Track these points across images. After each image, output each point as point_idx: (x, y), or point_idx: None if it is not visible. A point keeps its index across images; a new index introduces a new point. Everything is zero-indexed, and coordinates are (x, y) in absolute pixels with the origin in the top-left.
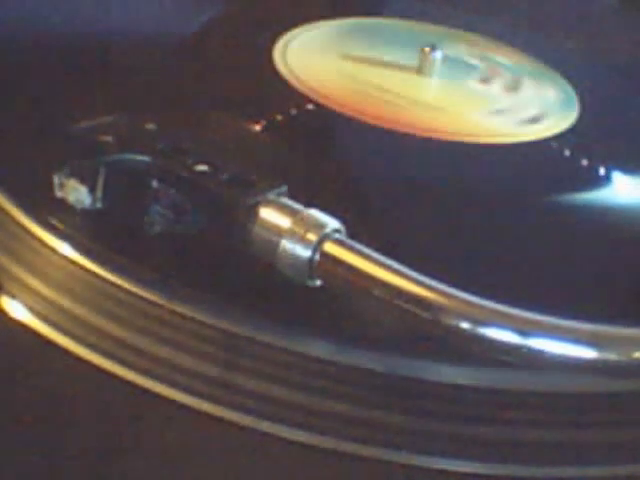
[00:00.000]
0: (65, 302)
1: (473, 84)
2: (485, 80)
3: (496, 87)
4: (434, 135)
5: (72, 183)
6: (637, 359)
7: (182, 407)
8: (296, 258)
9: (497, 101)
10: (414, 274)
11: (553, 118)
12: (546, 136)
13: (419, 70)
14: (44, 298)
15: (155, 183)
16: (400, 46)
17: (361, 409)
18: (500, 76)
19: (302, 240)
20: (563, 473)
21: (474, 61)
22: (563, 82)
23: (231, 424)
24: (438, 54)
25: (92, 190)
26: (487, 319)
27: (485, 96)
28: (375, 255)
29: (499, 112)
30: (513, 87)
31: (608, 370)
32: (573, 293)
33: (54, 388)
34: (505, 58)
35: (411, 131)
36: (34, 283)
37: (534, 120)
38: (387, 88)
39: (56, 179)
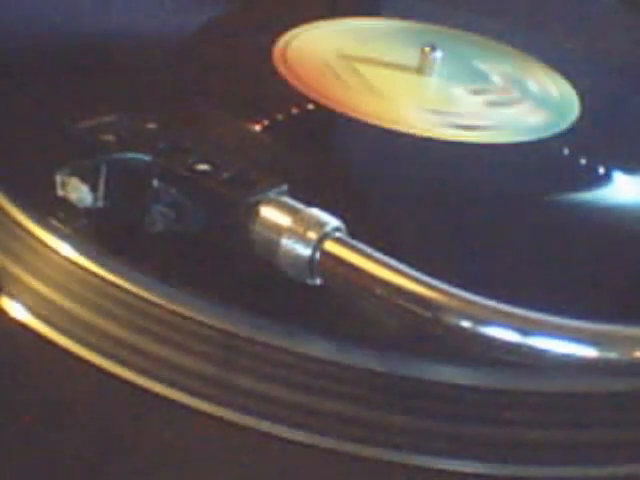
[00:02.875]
0: (65, 302)
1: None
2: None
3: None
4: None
5: (74, 182)
6: (638, 358)
7: (182, 407)
8: (296, 257)
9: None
10: (415, 273)
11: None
12: (544, 136)
13: (419, 70)
14: (44, 298)
15: (156, 182)
16: (400, 46)
17: (361, 409)
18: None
19: (302, 239)
20: (563, 473)
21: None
22: (563, 83)
23: (231, 424)
24: (438, 54)
25: (93, 189)
26: (488, 318)
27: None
28: (375, 254)
29: (435, 112)
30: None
31: (609, 369)
32: (574, 292)
33: (54, 388)
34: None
35: (412, 131)
36: (34, 283)
37: (468, 128)
38: (387, 88)
39: (58, 178)
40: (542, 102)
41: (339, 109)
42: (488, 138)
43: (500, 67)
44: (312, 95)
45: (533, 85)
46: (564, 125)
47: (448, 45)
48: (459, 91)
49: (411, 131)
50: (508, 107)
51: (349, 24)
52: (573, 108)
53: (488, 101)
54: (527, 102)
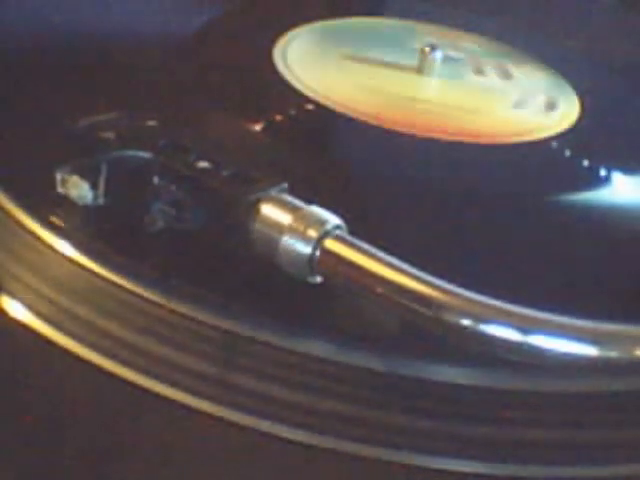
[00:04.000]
0: (65, 301)
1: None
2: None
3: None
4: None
5: (74, 180)
6: (638, 357)
7: (182, 407)
8: (297, 255)
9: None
10: (416, 271)
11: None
12: (548, 135)
13: (419, 70)
14: (44, 297)
15: (156, 180)
16: (400, 46)
17: (361, 409)
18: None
19: (303, 237)
20: (563, 473)
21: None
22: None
23: (231, 424)
24: (438, 54)
25: (94, 187)
26: (488, 316)
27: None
28: (376, 252)
29: (518, 104)
30: (506, 76)
31: (609, 368)
32: (574, 291)
33: (54, 388)
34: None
35: (412, 131)
36: (34, 282)
37: (550, 106)
38: (387, 88)
39: (58, 176)
40: (533, 111)
41: (339, 109)
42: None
43: (504, 72)
44: (312, 95)
45: (533, 94)
46: (558, 128)
47: (448, 45)
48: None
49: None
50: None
51: (349, 24)
52: (566, 120)
53: (484, 102)
54: (523, 104)
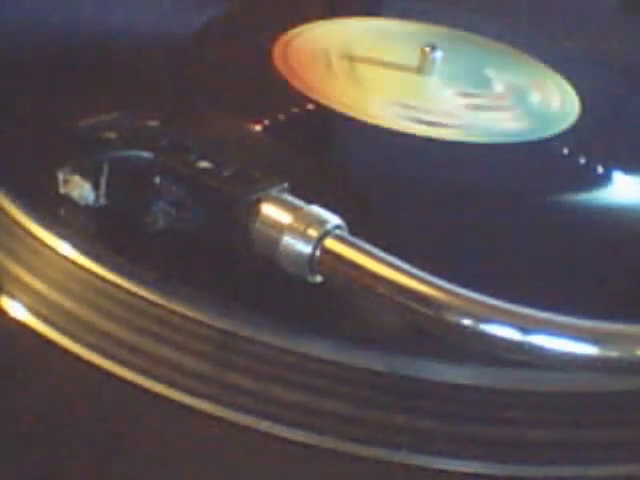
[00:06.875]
0: (65, 302)
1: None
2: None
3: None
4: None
5: (76, 179)
6: (638, 357)
7: (182, 407)
8: (297, 254)
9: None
10: (416, 271)
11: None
12: (545, 136)
13: (419, 70)
14: (44, 298)
15: (157, 179)
16: (400, 46)
17: (361, 409)
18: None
19: (303, 236)
20: (563, 473)
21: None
22: (562, 83)
23: (231, 424)
24: (438, 54)
25: (95, 187)
26: (489, 316)
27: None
28: (376, 251)
29: (405, 106)
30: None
31: (610, 368)
32: (574, 291)
33: (54, 388)
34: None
35: (412, 131)
36: (34, 283)
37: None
38: (387, 88)
39: (60, 176)
40: (533, 111)
41: (339, 109)
42: (449, 136)
43: (505, 73)
44: (312, 95)
45: (533, 94)
46: (545, 134)
47: (450, 46)
48: (447, 92)
49: (379, 121)
50: (489, 111)
51: (349, 24)
52: (566, 120)
53: (471, 104)
54: (515, 109)
